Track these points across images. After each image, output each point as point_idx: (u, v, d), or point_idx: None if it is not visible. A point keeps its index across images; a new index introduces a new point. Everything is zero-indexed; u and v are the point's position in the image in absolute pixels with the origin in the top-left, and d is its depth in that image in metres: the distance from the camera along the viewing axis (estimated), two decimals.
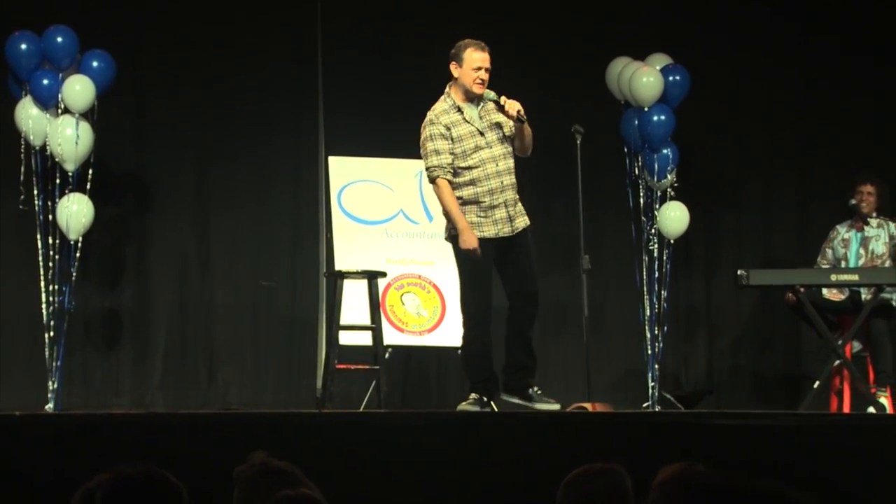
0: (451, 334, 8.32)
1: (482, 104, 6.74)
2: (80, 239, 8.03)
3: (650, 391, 8.54)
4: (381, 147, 8.73)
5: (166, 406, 8.70)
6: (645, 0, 9.41)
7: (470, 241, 6.55)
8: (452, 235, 6.69)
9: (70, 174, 7.97)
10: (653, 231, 8.59)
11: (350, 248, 8.48)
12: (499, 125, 6.74)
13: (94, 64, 8.01)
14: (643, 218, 8.63)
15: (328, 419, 6.32)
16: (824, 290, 8.14)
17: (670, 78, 8.49)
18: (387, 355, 7.89)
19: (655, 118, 8.45)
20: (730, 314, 9.52)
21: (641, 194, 8.64)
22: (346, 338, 7.84)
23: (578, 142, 7.55)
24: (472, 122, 6.68)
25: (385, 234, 8.62)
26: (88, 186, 8.02)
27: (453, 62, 6.70)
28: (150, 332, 8.94)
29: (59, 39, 7.92)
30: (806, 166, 9.59)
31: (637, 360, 8.76)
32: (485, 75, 6.67)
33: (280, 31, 9.12)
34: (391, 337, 8.23)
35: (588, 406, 7.22)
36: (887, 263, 8.10)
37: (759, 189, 9.63)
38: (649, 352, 8.59)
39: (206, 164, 9.10)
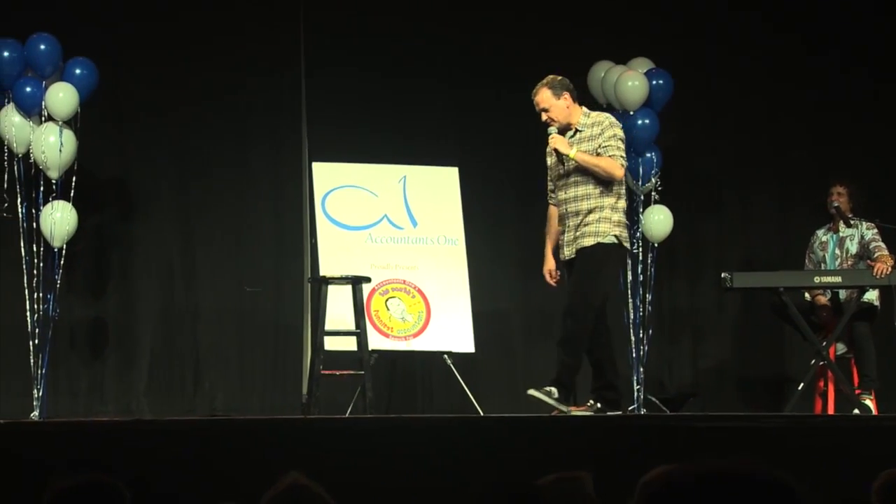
0: (436, 339, 8.34)
1: (574, 134, 6.91)
2: (65, 246, 8.03)
3: (635, 394, 8.57)
4: (364, 152, 8.75)
5: (152, 413, 8.68)
6: (622, 5, 9.42)
7: (545, 265, 7.10)
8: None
9: (54, 182, 7.97)
10: (638, 235, 8.60)
11: (334, 253, 8.48)
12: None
13: (77, 71, 8.02)
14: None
15: (315, 425, 6.31)
16: (806, 294, 8.18)
17: (654, 82, 8.52)
18: (372, 360, 7.89)
19: (640, 122, 8.48)
20: (714, 317, 9.55)
21: None
22: (331, 343, 7.82)
23: None
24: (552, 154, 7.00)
25: (369, 240, 8.62)
26: (72, 194, 8.02)
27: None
28: (136, 339, 8.94)
29: (42, 47, 7.93)
30: (784, 168, 9.59)
31: (622, 363, 8.74)
32: (543, 116, 6.91)
33: (262, 37, 9.13)
34: (376, 342, 8.24)
35: (569, 409, 7.24)
36: (860, 264, 8.11)
37: (739, 192, 9.66)
38: (634, 355, 8.61)
39: (190, 170, 9.11)
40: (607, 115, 7.05)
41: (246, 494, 3.21)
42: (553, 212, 7.07)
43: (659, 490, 3.14)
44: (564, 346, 6.88)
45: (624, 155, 6.87)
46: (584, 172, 6.83)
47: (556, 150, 6.83)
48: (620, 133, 6.90)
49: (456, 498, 5.29)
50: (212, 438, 5.55)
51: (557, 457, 5.31)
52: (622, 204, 6.91)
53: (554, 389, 6.77)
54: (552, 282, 7.08)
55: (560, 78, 6.93)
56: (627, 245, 7.08)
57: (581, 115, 6.89)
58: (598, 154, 6.79)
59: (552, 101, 6.85)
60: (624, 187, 7.00)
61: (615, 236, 6.83)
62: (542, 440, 5.77)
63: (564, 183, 6.91)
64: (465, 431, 6.00)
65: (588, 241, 6.87)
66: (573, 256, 6.90)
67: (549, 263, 7.09)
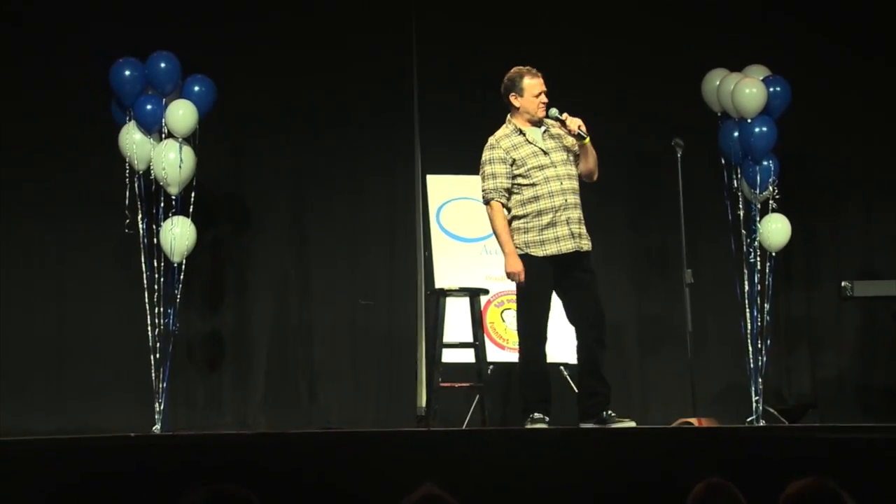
0: (553, 350, 8.31)
1: (545, 127, 6.84)
2: (184, 261, 8.14)
3: (754, 405, 8.47)
4: (478, 164, 8.75)
5: (268, 426, 8.78)
6: (736, 11, 9.36)
7: (514, 264, 6.66)
8: None
9: (173, 197, 8.09)
10: (755, 244, 8.52)
11: (449, 265, 8.52)
12: (565, 147, 6.83)
13: (196, 88, 8.15)
14: (743, 231, 8.56)
15: (437, 438, 6.33)
16: None
17: (771, 89, 8.43)
18: (489, 372, 7.90)
19: (758, 129, 8.40)
20: (832, 326, 9.41)
21: (740, 206, 8.58)
22: (446, 355, 7.86)
23: (679, 155, 7.56)
24: (534, 143, 6.79)
25: (484, 251, 8.65)
26: (191, 209, 8.14)
27: (512, 94, 6.84)
28: (252, 352, 9.05)
29: (163, 65, 8.06)
30: None
31: (740, 374, 8.68)
32: (545, 98, 6.81)
33: (375, 53, 9.21)
34: (493, 354, 8.24)
35: (694, 421, 7.19)
36: None
37: (859, 200, 9.54)
38: (752, 365, 8.52)
39: (304, 185, 9.22)
40: None
41: None
42: (502, 210, 6.75)
43: (802, 502, 3.14)
44: (596, 376, 6.70)
45: None
46: (572, 163, 6.78)
47: (577, 130, 6.70)
48: None
49: None
50: (339, 451, 5.59)
51: (679, 467, 5.28)
52: None
53: (612, 413, 6.66)
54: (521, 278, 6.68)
55: None
56: None
57: None
58: None
59: None
60: None
61: None
62: (663, 451, 5.75)
63: (556, 174, 6.70)
64: (589, 442, 6.00)
65: (589, 244, 6.79)
66: (570, 252, 6.69)
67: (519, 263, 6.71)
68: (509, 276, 6.70)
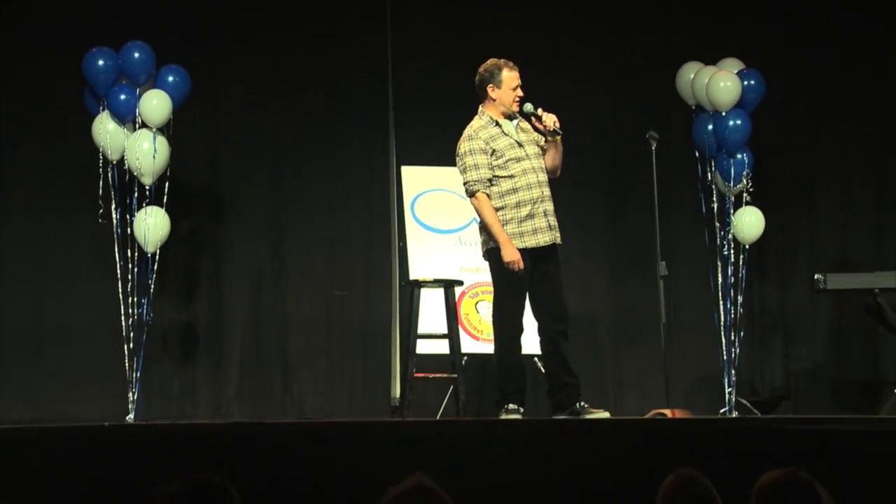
0: (527, 341, 8.34)
1: (517, 120, 6.86)
2: (158, 251, 8.14)
3: (727, 396, 8.52)
4: (453, 156, 8.77)
5: (243, 416, 8.79)
6: (711, 4, 9.40)
7: (513, 253, 6.61)
8: (490, 249, 6.73)
9: (147, 188, 8.08)
10: (729, 236, 8.56)
11: (424, 256, 8.54)
12: (535, 141, 6.87)
13: (170, 79, 8.13)
14: (717, 223, 8.60)
15: (411, 428, 6.35)
16: None
17: (746, 82, 8.48)
18: (463, 363, 7.93)
19: (732, 123, 8.44)
20: (805, 318, 9.48)
21: (714, 199, 8.63)
22: (422, 347, 7.88)
23: (654, 147, 7.59)
24: (510, 135, 6.80)
25: (459, 243, 8.67)
26: (165, 199, 8.13)
27: (489, 84, 6.83)
28: (226, 342, 9.06)
29: (136, 55, 8.05)
30: (881, 169, 9.53)
31: (713, 365, 8.73)
32: (521, 92, 6.83)
33: (350, 43, 9.22)
34: (467, 345, 8.27)
35: (667, 412, 7.23)
36: None
37: (833, 192, 9.59)
38: (725, 357, 8.57)
39: (279, 176, 9.22)
40: None
41: (353, 495, 3.25)
42: (488, 200, 6.72)
43: (778, 493, 3.17)
44: (564, 368, 6.74)
45: None
46: (541, 157, 6.81)
47: (553, 127, 6.73)
48: None
49: (552, 499, 5.33)
50: (313, 441, 5.60)
51: (652, 459, 5.30)
52: None
53: (585, 405, 6.70)
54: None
55: None
56: None
57: None
58: None
59: None
60: None
61: None
62: (636, 443, 5.77)
63: (531, 166, 6.74)
64: (561, 434, 6.02)
65: (559, 236, 6.83)
66: (547, 245, 6.74)
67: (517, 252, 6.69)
68: (508, 264, 6.62)
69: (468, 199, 6.84)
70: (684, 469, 3.56)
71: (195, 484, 3.12)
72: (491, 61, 6.86)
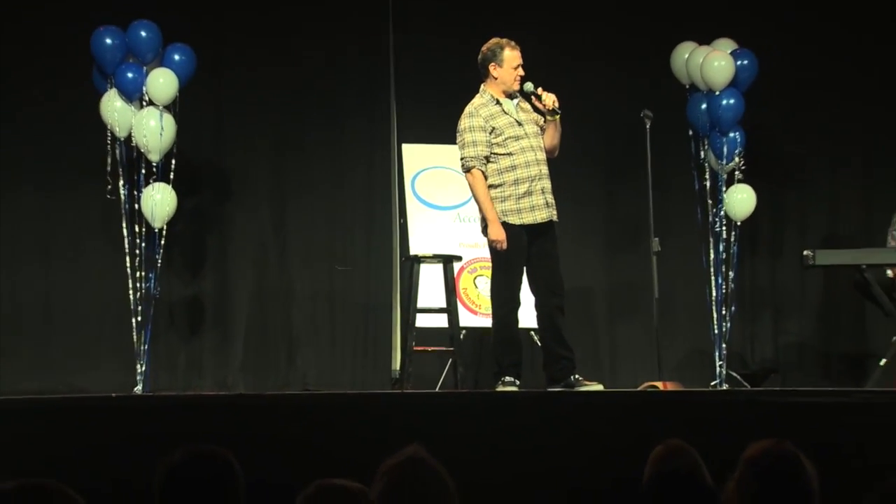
0: (524, 316, 8.50)
1: (517, 100, 6.99)
2: (165, 227, 8.27)
3: (718, 370, 8.65)
4: (453, 134, 8.89)
5: (247, 388, 8.93)
6: None
7: (498, 232, 6.77)
8: (486, 227, 6.90)
9: (154, 164, 8.21)
10: (721, 213, 8.69)
11: (424, 232, 8.67)
12: (534, 120, 7.01)
13: (177, 57, 8.25)
14: (709, 200, 8.74)
15: (411, 399, 6.49)
16: (889, 271, 8.21)
17: (739, 62, 8.58)
18: (461, 336, 8.08)
19: (725, 102, 8.54)
20: (795, 294, 9.60)
21: (707, 177, 8.76)
22: (421, 321, 8.04)
23: (648, 126, 7.69)
24: (510, 114, 6.94)
25: (458, 219, 8.81)
26: (172, 176, 8.26)
27: (492, 63, 6.95)
28: (232, 316, 9.19)
29: (143, 34, 8.15)
30: (871, 148, 9.63)
31: (704, 339, 8.87)
32: (522, 72, 6.95)
33: (352, 20, 9.33)
34: (465, 319, 8.42)
35: (659, 385, 7.39)
36: None
37: (823, 170, 9.69)
38: (716, 332, 8.68)
39: (283, 153, 9.34)
40: None
41: (354, 465, 3.32)
42: (482, 177, 6.86)
43: (764, 463, 3.27)
44: (560, 341, 6.88)
45: None
46: (540, 136, 6.95)
47: (552, 106, 6.89)
48: None
49: (549, 468, 5.46)
50: (316, 412, 5.74)
51: (645, 430, 5.43)
52: None
53: (580, 377, 6.86)
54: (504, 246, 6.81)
55: None
56: None
57: None
58: None
59: None
60: None
61: None
62: (630, 414, 5.91)
63: (530, 144, 6.88)
64: (557, 406, 6.15)
65: (556, 213, 6.97)
66: (548, 221, 6.91)
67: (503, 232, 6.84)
68: (492, 243, 6.80)
69: (463, 174, 6.98)
70: (672, 439, 3.69)
71: (197, 453, 3.15)
72: (494, 40, 6.98)
